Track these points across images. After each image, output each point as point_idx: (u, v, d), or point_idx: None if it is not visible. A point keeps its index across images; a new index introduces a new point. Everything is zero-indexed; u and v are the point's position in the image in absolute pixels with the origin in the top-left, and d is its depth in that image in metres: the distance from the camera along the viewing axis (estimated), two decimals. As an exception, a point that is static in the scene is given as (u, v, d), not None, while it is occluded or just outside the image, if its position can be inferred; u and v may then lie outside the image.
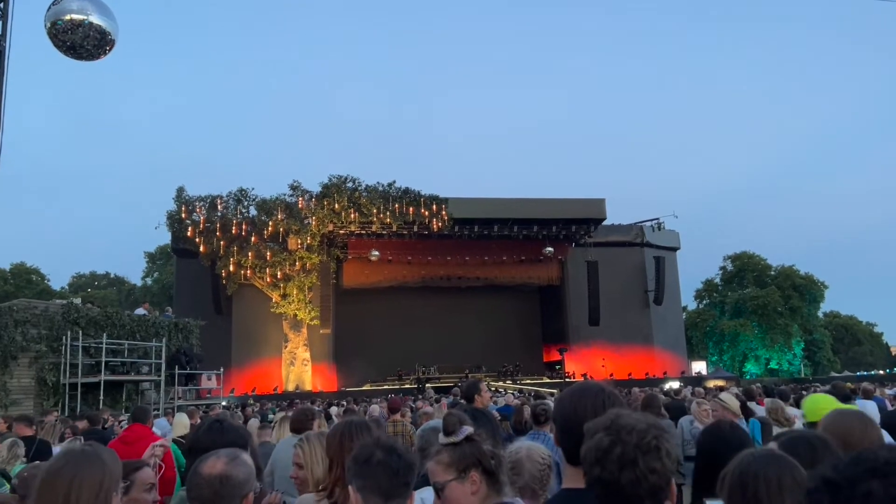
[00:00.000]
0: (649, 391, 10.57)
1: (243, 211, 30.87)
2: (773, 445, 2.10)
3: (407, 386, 30.35)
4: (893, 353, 76.62)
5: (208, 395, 21.10)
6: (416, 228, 31.99)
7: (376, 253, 32.76)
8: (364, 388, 31.36)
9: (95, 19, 7.98)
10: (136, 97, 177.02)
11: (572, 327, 35.89)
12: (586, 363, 34.23)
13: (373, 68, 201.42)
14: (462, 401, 9.77)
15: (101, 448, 2.08)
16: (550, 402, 8.39)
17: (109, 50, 11.16)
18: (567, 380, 32.23)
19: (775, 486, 1.59)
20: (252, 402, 21.66)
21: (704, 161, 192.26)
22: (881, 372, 49.47)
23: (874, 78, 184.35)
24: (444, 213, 31.30)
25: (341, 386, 31.91)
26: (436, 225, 31.31)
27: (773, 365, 50.86)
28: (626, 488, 1.45)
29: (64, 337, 15.41)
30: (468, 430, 1.97)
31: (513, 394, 16.06)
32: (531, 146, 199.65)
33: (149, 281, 59.49)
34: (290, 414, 7.54)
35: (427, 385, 28.88)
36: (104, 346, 15.61)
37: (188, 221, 30.28)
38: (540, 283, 37.86)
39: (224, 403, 19.18)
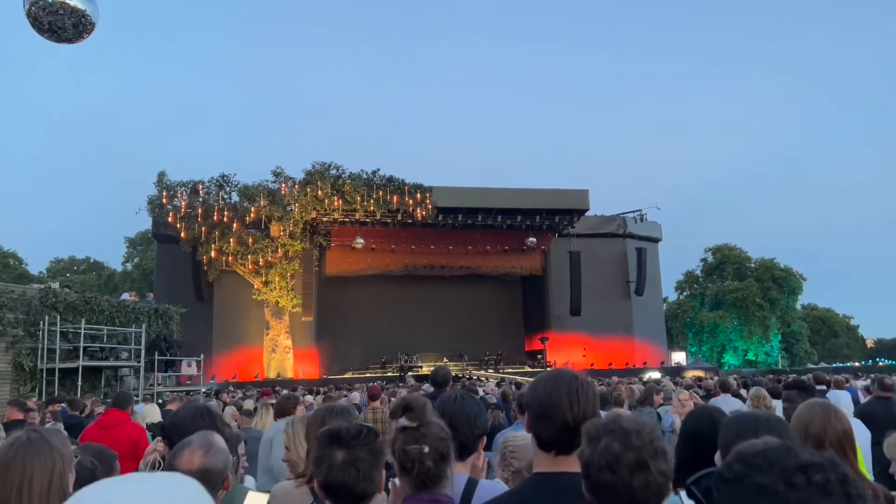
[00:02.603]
0: (646, 382, 10.69)
1: (225, 197, 30.57)
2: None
3: (389, 374, 30.39)
4: (869, 346, 77.96)
5: (188, 382, 21.01)
6: (399, 217, 31.89)
7: (360, 241, 32.67)
8: (346, 375, 31.36)
9: (75, 1, 7.84)
10: (120, 81, 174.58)
11: (554, 317, 36.08)
12: (568, 352, 34.44)
13: (359, 56, 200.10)
14: (424, 388, 9.84)
15: (49, 432, 2.04)
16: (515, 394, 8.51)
17: (89, 32, 11.02)
18: (548, 369, 32.36)
19: None
20: (232, 388, 21.60)
21: (687, 154, 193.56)
22: (857, 364, 50.35)
23: (856, 73, 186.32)
24: (428, 201, 31.22)
25: (323, 373, 31.88)
26: (420, 213, 31.24)
27: (750, 356, 51.53)
28: (638, 492, 1.47)
29: (41, 322, 15.23)
30: (402, 422, 1.94)
31: (494, 383, 16.11)
32: (516, 136, 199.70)
33: (129, 266, 58.91)
34: (262, 403, 7.52)
35: (409, 373, 28.97)
36: (82, 331, 15.46)
37: (169, 207, 29.95)
38: (523, 273, 37.98)
39: (204, 390, 19.10)
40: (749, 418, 2.18)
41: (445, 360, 32.67)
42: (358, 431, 1.79)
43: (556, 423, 1.83)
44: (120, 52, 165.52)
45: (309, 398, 11.69)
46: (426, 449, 1.89)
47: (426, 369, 30.58)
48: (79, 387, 14.80)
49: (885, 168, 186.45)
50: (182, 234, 29.91)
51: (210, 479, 2.09)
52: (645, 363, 34.72)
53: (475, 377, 25.36)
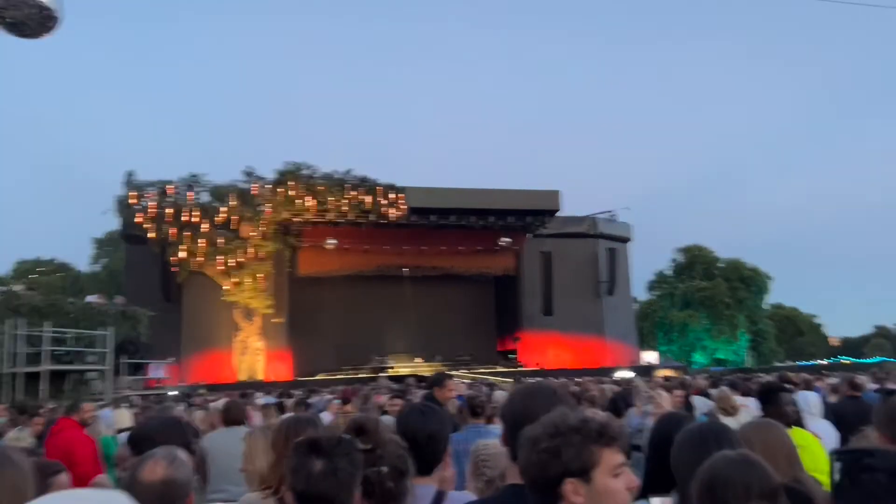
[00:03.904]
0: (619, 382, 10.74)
1: (195, 197, 30.17)
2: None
3: (362, 375, 30.23)
4: (833, 344, 79.67)
5: (157, 385, 20.69)
6: (372, 217, 31.76)
7: (332, 241, 32.46)
8: (318, 377, 31.13)
9: (39, -4, 7.67)
10: (85, 77, 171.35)
11: (526, 317, 36.23)
12: (540, 352, 34.63)
13: (330, 55, 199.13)
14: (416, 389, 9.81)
15: (8, 448, 2.00)
16: (488, 394, 8.47)
17: (53, 28, 10.77)
18: (521, 368, 32.58)
19: (742, 490, 1.58)
20: (203, 391, 21.30)
21: (656, 156, 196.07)
22: (822, 362, 51.40)
23: (820, 76, 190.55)
24: (400, 201, 31.15)
25: (296, 375, 31.60)
26: (393, 214, 31.15)
27: (719, 355, 52.28)
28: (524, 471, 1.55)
29: (3, 325, 14.88)
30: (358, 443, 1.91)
31: (464, 383, 16.09)
32: (487, 137, 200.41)
33: (97, 267, 57.78)
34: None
35: (382, 375, 28.84)
36: (46, 334, 15.13)
37: (137, 207, 29.46)
38: (495, 273, 38.10)
39: (174, 394, 18.83)
40: (688, 431, 2.21)
41: (418, 360, 32.64)
42: (338, 440, 1.75)
43: None
44: (81, 45, 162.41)
45: (261, 399, 11.27)
46: (385, 469, 1.87)
47: (399, 370, 30.52)
48: (43, 391, 14.48)
49: (848, 171, 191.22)
50: (151, 235, 29.45)
51: (173, 490, 2.06)
52: (616, 363, 35.04)
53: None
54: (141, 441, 2.68)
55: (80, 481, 5.32)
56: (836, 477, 0.90)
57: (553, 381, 2.33)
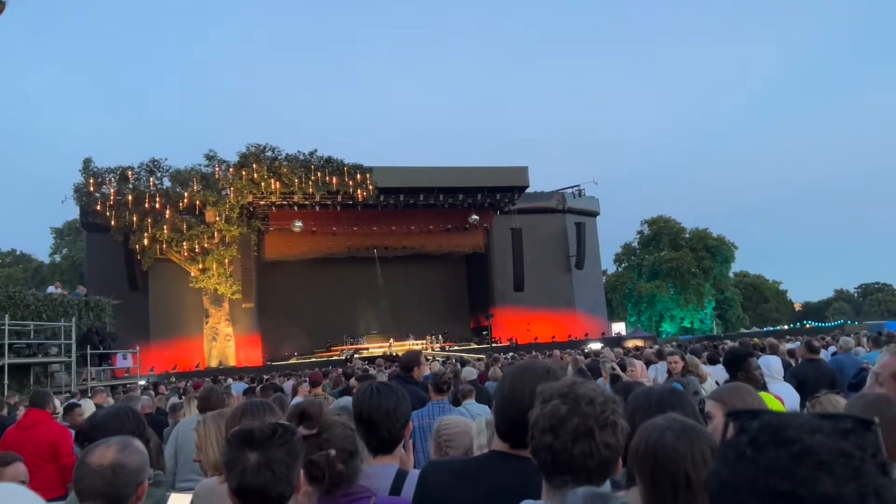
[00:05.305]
0: (588, 354, 10.81)
1: (156, 183, 29.43)
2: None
3: (335, 357, 30.15)
4: (797, 309, 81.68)
5: (126, 375, 20.35)
6: (340, 198, 31.41)
7: (299, 224, 32.07)
8: (291, 361, 30.97)
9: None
10: (41, 63, 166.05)
11: (498, 293, 36.43)
12: (512, 328, 34.89)
13: (290, 33, 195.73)
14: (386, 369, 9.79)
15: None
16: (456, 371, 8.49)
17: (0, 13, 10.41)
18: (494, 345, 32.79)
19: (701, 462, 1.47)
20: (173, 380, 21.06)
21: (622, 130, 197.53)
22: (786, 327, 52.69)
23: (779, 51, 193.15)
24: (368, 182, 30.82)
25: (267, 360, 31.40)
26: (360, 194, 30.81)
27: (686, 324, 53.28)
28: (577, 460, 1.40)
29: (-39, 320, 14.46)
30: (302, 431, 1.82)
31: (437, 361, 16.15)
32: (455, 115, 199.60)
33: (57, 258, 56.47)
34: (189, 395, 7.29)
35: (355, 356, 28.79)
36: (6, 327, 14.75)
37: (97, 194, 28.66)
38: (466, 251, 38.15)
39: (142, 383, 18.56)
40: (644, 395, 2.08)
41: (392, 340, 32.66)
42: (273, 431, 1.66)
43: (515, 418, 1.74)
44: (36, 31, 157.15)
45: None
46: (333, 453, 1.83)
47: (373, 351, 30.50)
48: (5, 385, 14.14)
49: (807, 142, 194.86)
50: (112, 223, 28.72)
51: (122, 476, 1.99)
52: (587, 335, 35.47)
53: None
54: (95, 433, 2.58)
55: (68, 472, 5.22)
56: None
57: (546, 360, 2.30)
